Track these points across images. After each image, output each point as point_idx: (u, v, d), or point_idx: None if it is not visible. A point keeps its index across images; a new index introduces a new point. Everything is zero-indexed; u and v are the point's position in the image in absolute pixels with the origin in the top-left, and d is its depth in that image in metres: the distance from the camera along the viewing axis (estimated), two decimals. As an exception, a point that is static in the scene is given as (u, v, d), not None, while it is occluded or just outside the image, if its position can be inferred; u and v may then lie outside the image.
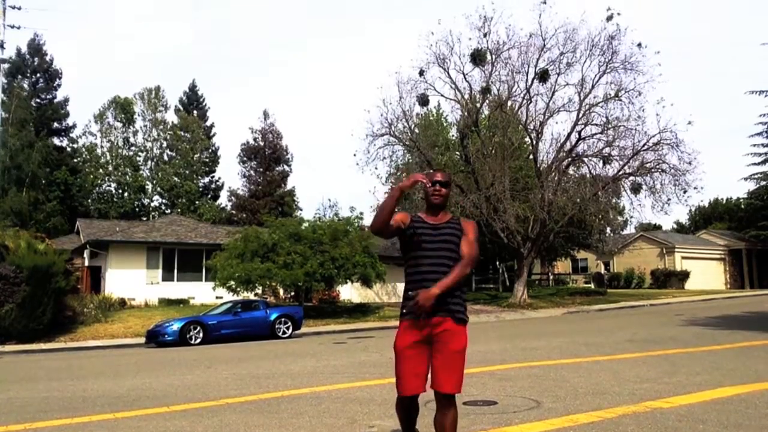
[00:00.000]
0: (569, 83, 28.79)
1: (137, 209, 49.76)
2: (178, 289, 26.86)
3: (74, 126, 49.46)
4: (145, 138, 52.52)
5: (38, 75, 47.45)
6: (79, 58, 78.51)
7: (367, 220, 25.81)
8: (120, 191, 50.35)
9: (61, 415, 6.51)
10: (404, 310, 3.54)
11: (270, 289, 25.68)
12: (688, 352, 10.15)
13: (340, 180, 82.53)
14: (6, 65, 33.42)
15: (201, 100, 55.55)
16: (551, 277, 43.53)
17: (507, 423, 5.26)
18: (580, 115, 28.51)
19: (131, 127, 51.97)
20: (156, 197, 51.99)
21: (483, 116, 30.43)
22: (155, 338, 17.59)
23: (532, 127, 29.56)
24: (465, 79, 28.79)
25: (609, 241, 38.48)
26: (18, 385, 9.56)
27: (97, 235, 28.03)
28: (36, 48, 46.73)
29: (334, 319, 23.34)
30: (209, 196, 53.04)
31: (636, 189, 28.51)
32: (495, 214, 27.47)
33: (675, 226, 60.91)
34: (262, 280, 21.95)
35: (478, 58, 28.05)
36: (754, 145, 43.13)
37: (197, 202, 50.39)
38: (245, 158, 50.76)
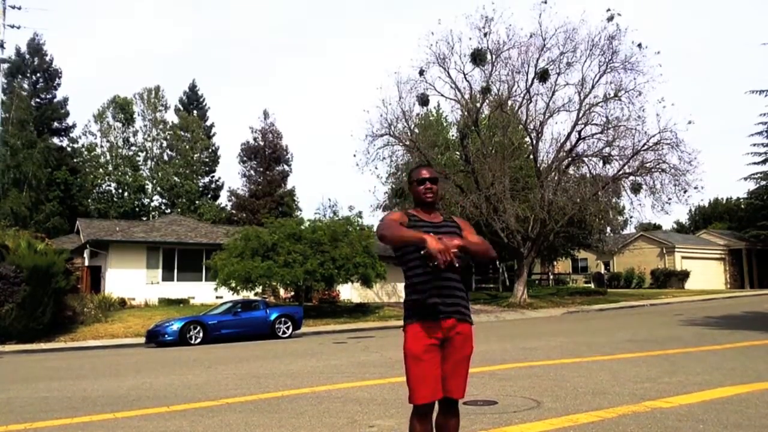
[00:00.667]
0: (569, 83, 28.83)
1: (137, 209, 49.75)
2: (178, 289, 26.87)
3: (74, 126, 49.49)
4: (144, 138, 52.61)
5: (38, 75, 47.41)
6: (78, 58, 78.60)
7: (367, 220, 25.79)
8: (120, 191, 50.34)
9: (62, 415, 6.52)
10: (410, 313, 3.32)
11: (270, 289, 25.69)
12: (688, 352, 10.15)
13: (340, 180, 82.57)
14: (6, 65, 33.44)
15: (201, 100, 55.55)
16: (551, 277, 43.56)
17: (507, 423, 5.26)
18: (580, 115, 28.51)
19: (131, 127, 52.00)
20: (156, 197, 52.02)
21: (483, 116, 30.40)
22: (155, 338, 17.59)
23: (532, 127, 29.56)
24: (465, 78, 28.82)
25: (609, 241, 38.52)
26: (18, 385, 9.56)
27: (97, 235, 28.02)
28: (36, 48, 46.69)
29: (334, 319, 23.34)
30: (209, 196, 53.04)
31: (636, 189, 28.50)
32: (495, 213, 27.46)
33: (675, 226, 60.92)
34: (262, 279, 21.95)
35: (478, 57, 28.03)
36: (754, 145, 43.16)
37: (197, 202, 50.39)
38: (245, 158, 50.74)
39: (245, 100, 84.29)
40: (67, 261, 22.62)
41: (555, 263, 45.70)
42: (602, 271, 44.95)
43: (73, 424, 6.08)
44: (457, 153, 32.82)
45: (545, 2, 27.58)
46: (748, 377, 7.27)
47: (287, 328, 18.93)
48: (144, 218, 46.35)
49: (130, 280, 26.17)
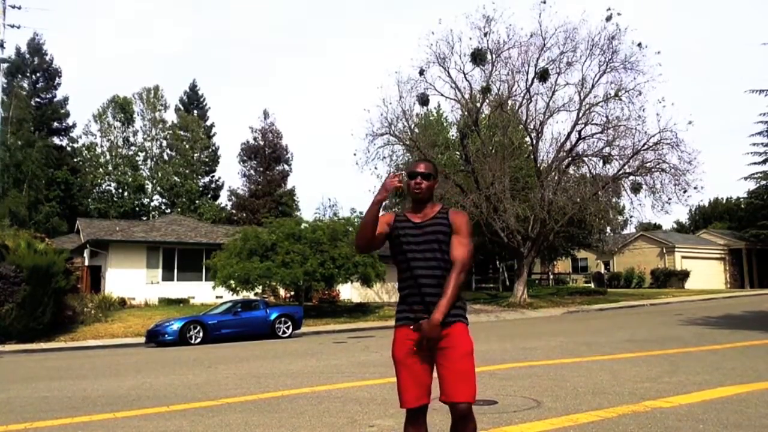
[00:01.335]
0: (569, 83, 28.83)
1: (137, 209, 49.75)
2: (178, 289, 26.87)
3: (74, 125, 49.50)
4: (144, 137, 52.62)
5: (38, 74, 47.41)
6: (78, 57, 78.57)
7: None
8: (120, 191, 50.35)
9: (62, 415, 6.52)
10: (399, 317, 3.22)
11: (270, 289, 25.69)
12: (688, 351, 10.15)
13: (340, 180, 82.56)
14: (6, 65, 33.40)
15: (201, 99, 55.55)
16: (551, 277, 43.55)
17: (507, 423, 5.27)
18: (580, 115, 28.51)
19: (131, 126, 52.02)
20: (156, 197, 52.02)
21: (483, 116, 30.40)
22: (155, 338, 17.58)
23: (532, 127, 29.56)
24: (465, 78, 28.81)
25: (609, 241, 38.49)
26: (18, 385, 9.56)
27: (97, 235, 28.01)
28: (36, 47, 46.68)
29: (334, 318, 23.34)
30: (209, 195, 53.03)
31: (636, 189, 28.50)
32: (495, 213, 27.46)
33: (675, 225, 60.92)
34: (261, 280, 21.94)
35: (478, 57, 28.04)
36: (754, 145, 43.12)
37: (197, 202, 50.38)
38: (245, 158, 50.74)
39: (245, 100, 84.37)
40: (67, 261, 22.61)
41: (555, 263, 45.70)
42: (602, 270, 44.95)
43: (73, 424, 6.08)
44: (457, 153, 32.82)
45: (545, 2, 27.64)
46: (748, 377, 7.27)
47: (287, 327, 18.93)
48: (144, 218, 46.35)
49: (130, 280, 26.17)
